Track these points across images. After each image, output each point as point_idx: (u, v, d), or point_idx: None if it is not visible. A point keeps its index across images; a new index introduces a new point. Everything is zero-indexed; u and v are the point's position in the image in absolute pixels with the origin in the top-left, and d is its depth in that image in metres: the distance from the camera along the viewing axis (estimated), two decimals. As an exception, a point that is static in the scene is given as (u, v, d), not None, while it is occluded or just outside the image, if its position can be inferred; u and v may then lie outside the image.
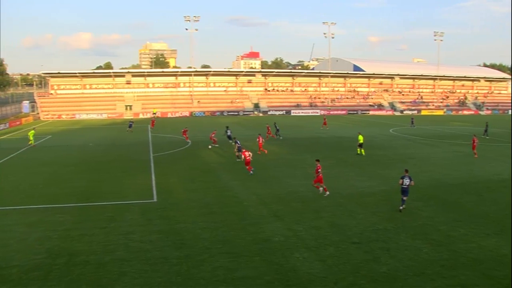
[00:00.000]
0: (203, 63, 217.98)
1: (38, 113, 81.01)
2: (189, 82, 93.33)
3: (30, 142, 39.53)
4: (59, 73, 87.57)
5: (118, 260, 13.86)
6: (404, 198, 19.09)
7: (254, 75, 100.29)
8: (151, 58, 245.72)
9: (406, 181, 18.94)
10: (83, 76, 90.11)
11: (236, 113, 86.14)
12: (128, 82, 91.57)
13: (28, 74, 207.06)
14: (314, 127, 60.12)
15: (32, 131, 41.12)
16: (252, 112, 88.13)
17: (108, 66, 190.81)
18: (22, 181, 25.92)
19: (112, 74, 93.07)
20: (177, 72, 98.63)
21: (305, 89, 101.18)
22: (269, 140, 43.65)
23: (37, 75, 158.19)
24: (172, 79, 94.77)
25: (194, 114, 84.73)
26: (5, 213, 19.33)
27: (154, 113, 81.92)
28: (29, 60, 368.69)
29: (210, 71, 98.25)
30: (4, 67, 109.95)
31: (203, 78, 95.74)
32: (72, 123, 70.46)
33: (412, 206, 19.80)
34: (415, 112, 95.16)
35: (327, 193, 21.82)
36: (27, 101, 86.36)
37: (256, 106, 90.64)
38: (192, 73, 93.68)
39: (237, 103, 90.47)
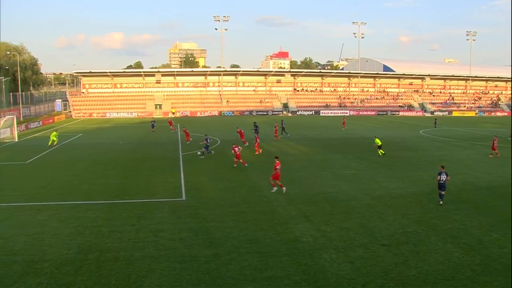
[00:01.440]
0: (232, 62, 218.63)
1: (70, 112, 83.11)
2: (219, 82, 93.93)
3: (49, 143, 39.43)
4: (90, 72, 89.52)
5: (147, 257, 14.03)
6: (442, 192, 20.11)
7: (283, 75, 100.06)
8: (180, 57, 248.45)
9: (443, 177, 19.99)
10: (114, 75, 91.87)
11: (265, 113, 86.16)
12: (158, 82, 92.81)
13: (60, 74, 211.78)
14: (343, 128, 59.58)
15: (55, 133, 41.29)
16: (281, 112, 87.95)
17: (139, 65, 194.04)
18: (54, 178, 26.64)
19: (142, 73, 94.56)
20: (207, 71, 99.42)
21: (334, 89, 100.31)
22: (288, 139, 43.58)
23: (69, 74, 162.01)
24: (201, 78, 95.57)
25: (223, 113, 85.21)
26: (39, 208, 19.85)
27: (173, 113, 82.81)
28: (62, 60, 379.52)
29: (239, 71, 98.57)
30: (38, 67, 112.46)
31: (232, 78, 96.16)
32: (102, 122, 71.98)
33: (443, 209, 19.39)
34: (446, 113, 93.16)
35: (280, 189, 22.32)
36: (60, 100, 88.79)
37: (285, 106, 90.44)
38: (222, 73, 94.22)
39: (266, 103, 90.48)
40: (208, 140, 34.58)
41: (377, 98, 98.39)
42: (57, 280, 12.49)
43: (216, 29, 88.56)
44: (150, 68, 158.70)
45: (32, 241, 15.53)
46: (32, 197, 21.90)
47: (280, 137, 46.11)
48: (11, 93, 73.63)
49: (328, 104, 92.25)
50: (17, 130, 49.02)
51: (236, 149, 29.43)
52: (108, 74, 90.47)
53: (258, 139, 36.61)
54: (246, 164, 29.52)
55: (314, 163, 31.75)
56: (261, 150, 35.66)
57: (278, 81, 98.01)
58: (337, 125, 62.67)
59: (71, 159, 33.32)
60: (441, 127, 60.89)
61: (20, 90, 74.05)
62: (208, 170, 28.48)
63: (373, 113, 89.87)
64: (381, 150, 34.52)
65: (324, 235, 16.05)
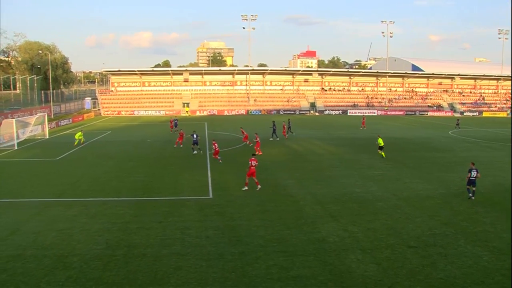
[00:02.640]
0: (260, 61, 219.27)
1: (99, 109, 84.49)
2: (246, 81, 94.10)
3: (76, 143, 39.62)
4: (119, 71, 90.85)
5: (174, 254, 14.16)
6: (473, 188, 20.47)
7: (310, 74, 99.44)
8: (208, 56, 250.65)
9: (474, 173, 20.36)
10: (142, 74, 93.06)
11: (292, 112, 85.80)
12: (186, 80, 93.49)
13: (90, 72, 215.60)
14: (371, 127, 58.83)
15: (80, 132, 41.28)
16: (308, 111, 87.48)
17: (167, 64, 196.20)
18: (84, 174, 27.22)
19: (170, 72, 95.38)
20: (234, 70, 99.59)
21: (362, 89, 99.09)
22: (316, 138, 43.28)
23: (98, 72, 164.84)
24: (229, 77, 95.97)
25: (251, 112, 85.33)
26: (69, 204, 20.32)
27: (187, 111, 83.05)
28: (92, 59, 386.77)
29: (267, 70, 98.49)
30: (68, 65, 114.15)
31: (259, 77, 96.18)
32: (131, 119, 73.08)
33: (472, 211, 18.88)
34: (476, 113, 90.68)
35: (259, 186, 22.73)
36: (89, 98, 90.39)
37: (313, 105, 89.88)
38: (249, 72, 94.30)
39: (293, 102, 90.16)
40: (195, 136, 35.26)
41: (405, 98, 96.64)
42: (85, 274, 12.74)
43: (243, 28, 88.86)
44: (178, 66, 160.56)
45: (62, 236, 15.91)
46: (63, 193, 22.46)
47: (287, 136, 45.89)
48: (42, 91, 75.63)
49: (356, 103, 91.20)
50: (48, 127, 50.24)
51: (216, 145, 31.49)
52: (137, 72, 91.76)
53: (258, 139, 35.40)
54: (220, 161, 30.71)
55: (341, 162, 31.46)
56: (261, 152, 34.44)
57: (306, 80, 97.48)
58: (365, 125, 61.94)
59: (100, 157, 33.96)
60: (469, 128, 59.30)
61: (51, 88, 76.17)
62: (235, 169, 28.53)
63: (401, 113, 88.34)
64: (382, 152, 33.45)
65: (351, 235, 15.88)
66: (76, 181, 25.30)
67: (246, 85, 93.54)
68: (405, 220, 17.82)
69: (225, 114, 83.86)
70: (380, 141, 33.93)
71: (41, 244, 15.11)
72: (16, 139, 40.39)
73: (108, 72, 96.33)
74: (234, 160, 31.88)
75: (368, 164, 30.86)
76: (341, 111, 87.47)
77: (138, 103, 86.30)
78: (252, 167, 22.89)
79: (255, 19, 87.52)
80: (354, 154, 35.46)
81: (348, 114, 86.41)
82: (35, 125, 48.49)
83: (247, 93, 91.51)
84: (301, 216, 18.34)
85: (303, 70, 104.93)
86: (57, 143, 40.24)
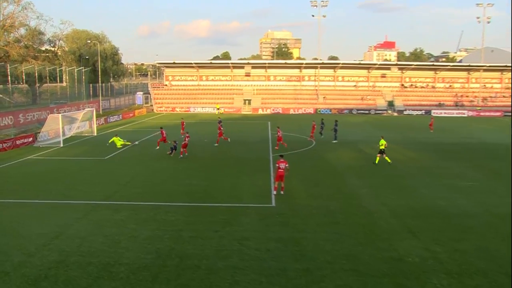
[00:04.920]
0: (331, 54, 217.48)
1: (151, 105, 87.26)
2: (315, 76, 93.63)
3: (119, 146, 39.61)
4: (174, 63, 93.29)
5: (231, 268, 14.30)
6: None
7: (388, 69, 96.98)
8: (272, 48, 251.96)
9: None
10: (199, 67, 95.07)
11: (366, 112, 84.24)
12: (247, 74, 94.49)
13: (142, 64, 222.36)
14: (460, 130, 56.46)
15: (114, 138, 40.28)
16: (385, 111, 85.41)
17: (226, 56, 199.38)
18: (134, 176, 28.26)
19: (230, 65, 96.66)
20: (302, 64, 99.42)
21: (450, 86, 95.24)
22: (392, 142, 42.10)
23: (151, 65, 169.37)
24: (295, 71, 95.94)
25: (319, 111, 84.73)
26: (117, 208, 21.06)
27: (218, 109, 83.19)
28: (144, 50, 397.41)
29: (338, 64, 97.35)
30: (119, 57, 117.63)
31: (330, 71, 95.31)
32: (186, 117, 73.74)
33: None
34: None
35: (275, 192, 23.02)
36: (141, 92, 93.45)
37: (390, 104, 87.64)
38: (318, 66, 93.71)
39: (368, 100, 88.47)
40: (177, 143, 35.64)
41: (503, 96, 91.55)
42: (132, 286, 13.09)
43: (313, 15, 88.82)
44: (239, 59, 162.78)
45: (108, 242, 16.50)
46: (110, 195, 23.36)
47: (320, 136, 45.21)
48: (90, 84, 78.70)
49: (442, 102, 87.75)
50: (96, 124, 52.53)
51: (188, 139, 34.52)
52: (193, 65, 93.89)
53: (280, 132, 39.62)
54: (181, 156, 33.86)
55: (423, 170, 30.45)
56: (286, 144, 38.49)
57: (383, 76, 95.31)
58: (453, 127, 59.64)
59: (152, 157, 35.06)
60: None
61: (100, 81, 79.05)
62: (301, 174, 28.43)
63: (497, 114, 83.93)
64: (384, 156, 32.00)
65: (433, 256, 15.29)
66: (126, 183, 26.30)
67: (315, 80, 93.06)
68: (500, 241, 16.87)
69: (290, 113, 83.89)
70: (382, 143, 32.41)
71: (86, 250, 15.73)
72: (62, 135, 42.41)
73: (161, 65, 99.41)
74: (301, 164, 31.77)
75: (456, 173, 29.62)
76: (423, 111, 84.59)
77: (194, 99, 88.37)
78: (280, 170, 22.89)
79: (326, 5, 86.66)
80: (438, 160, 34.24)
81: (432, 114, 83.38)
82: (83, 121, 50.78)
83: (316, 90, 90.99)
84: (374, 230, 17.95)
85: (380, 64, 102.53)
86: (105, 141, 41.79)
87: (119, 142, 39.79)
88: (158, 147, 38.27)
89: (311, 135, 45.58)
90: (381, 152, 32.26)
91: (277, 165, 23.22)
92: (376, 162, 32.03)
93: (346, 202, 22.15)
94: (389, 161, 31.98)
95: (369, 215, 20.01)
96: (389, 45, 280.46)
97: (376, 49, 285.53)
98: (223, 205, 21.64)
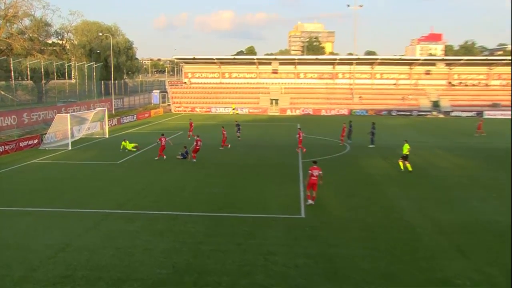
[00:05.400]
0: (368, 48, 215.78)
1: (169, 105, 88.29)
2: (350, 72, 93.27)
3: (130, 148, 40.08)
4: (194, 59, 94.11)
5: (255, 285, 14.32)
6: None
7: (434, 64, 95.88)
8: (302, 42, 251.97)
9: None
10: (221, 63, 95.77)
11: (407, 113, 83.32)
12: (275, 71, 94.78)
13: (159, 60, 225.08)
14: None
15: (123, 143, 40.75)
16: (429, 112, 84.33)
17: (251, 51, 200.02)
18: (149, 183, 28.53)
19: (256, 61, 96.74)
20: (335, 59, 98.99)
21: (507, 83, 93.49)
22: (438, 147, 41.62)
23: (169, 60, 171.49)
24: (328, 68, 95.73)
25: (354, 112, 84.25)
26: (130, 217, 21.30)
27: (233, 109, 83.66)
28: (161, 44, 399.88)
29: (376, 59, 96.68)
30: (133, 51, 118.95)
31: (367, 68, 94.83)
32: (207, 118, 74.89)
33: None
34: None
35: (311, 202, 23.01)
36: (157, 91, 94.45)
37: (436, 104, 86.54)
38: (354, 61, 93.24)
39: (410, 100, 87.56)
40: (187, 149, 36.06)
41: None
42: (147, 304, 13.20)
43: (348, 5, 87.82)
44: (265, 54, 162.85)
45: (120, 255, 16.66)
46: (123, 204, 23.63)
47: (347, 143, 44.87)
48: (102, 82, 79.74)
49: (497, 102, 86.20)
50: (108, 125, 53.13)
51: (163, 140, 36.01)
52: (215, 61, 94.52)
53: (301, 135, 40.64)
54: (194, 160, 34.73)
55: (474, 180, 29.97)
56: (304, 149, 38.94)
57: (427, 72, 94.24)
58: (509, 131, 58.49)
59: (170, 162, 35.26)
60: None
61: (112, 78, 79.67)
62: (334, 182, 28.24)
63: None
64: (407, 163, 31.81)
65: (487, 279, 15.02)
66: (140, 190, 26.56)
67: (350, 78, 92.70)
68: None
69: (322, 114, 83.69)
70: (406, 147, 32.22)
71: (96, 264, 15.89)
72: (70, 137, 43.02)
73: (180, 60, 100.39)
74: (333, 171, 31.55)
75: (513, 183, 29.07)
76: (475, 112, 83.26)
77: (216, 98, 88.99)
78: (313, 178, 22.85)
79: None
80: (493, 170, 33.62)
81: (485, 116, 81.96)
82: (93, 122, 51.54)
83: (351, 88, 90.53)
84: (418, 247, 17.73)
85: (424, 59, 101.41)
86: (118, 144, 42.04)
87: (130, 145, 40.25)
88: (157, 158, 36.37)
89: (341, 138, 45.37)
90: (404, 157, 32.20)
91: (309, 172, 23.19)
92: (402, 168, 31.98)
93: (385, 215, 21.95)
94: (410, 169, 31.84)
95: (411, 230, 19.78)
96: (435, 37, 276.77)
97: (420, 42, 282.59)
98: (247, 215, 21.69)
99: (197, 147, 35.08)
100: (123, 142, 40.50)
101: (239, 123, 50.32)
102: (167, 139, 36.96)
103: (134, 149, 39.91)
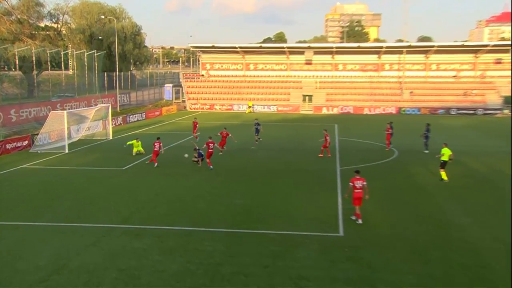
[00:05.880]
0: (421, 34, 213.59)
1: (183, 101, 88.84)
2: (399, 63, 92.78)
3: (134, 151, 40.43)
4: (213, 47, 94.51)
5: (284, 316, 14.29)
6: None
7: (507, 51, 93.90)
8: (342, 27, 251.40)
9: None
10: (245, 52, 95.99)
11: (471, 112, 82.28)
12: (308, 62, 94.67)
13: (171, 48, 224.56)
14: None
15: (134, 141, 41.23)
16: (499, 111, 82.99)
17: (280, 38, 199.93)
18: (160, 192, 28.77)
19: (286, 49, 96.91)
20: (381, 47, 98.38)
21: None
22: (507, 154, 41.04)
23: (183, 49, 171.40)
24: (372, 58, 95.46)
25: (404, 111, 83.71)
26: (137, 233, 21.42)
27: (250, 106, 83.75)
28: (174, 29, 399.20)
29: (432, 46, 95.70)
30: (142, 38, 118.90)
31: (420, 57, 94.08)
32: (228, 117, 75.18)
33: None
34: None
35: (360, 221, 22.78)
36: (170, 85, 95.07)
37: (507, 101, 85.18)
38: (404, 49, 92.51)
39: (474, 96, 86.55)
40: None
41: None
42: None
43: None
44: (297, 42, 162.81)
45: (124, 278, 16.73)
46: (128, 217, 23.83)
47: (390, 146, 44.59)
48: (105, 73, 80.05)
49: None
50: (112, 124, 53.55)
51: (157, 145, 35.52)
52: (238, 49, 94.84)
53: (328, 138, 40.47)
54: (211, 166, 34.65)
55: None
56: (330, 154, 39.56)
57: (497, 62, 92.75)
58: None
59: (183, 168, 35.50)
60: None
61: (117, 70, 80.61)
62: (379, 193, 27.97)
63: None
64: (442, 170, 31.66)
65: None
66: (149, 201, 26.74)
67: (399, 69, 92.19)
68: None
69: (365, 113, 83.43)
70: (447, 152, 31.92)
71: (95, 288, 16.00)
72: (67, 139, 43.26)
73: (197, 49, 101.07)
74: (380, 180, 31.36)
75: None
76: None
77: (239, 94, 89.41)
78: (357, 191, 22.76)
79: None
80: None
81: None
82: (94, 121, 52.14)
83: (400, 82, 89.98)
84: (483, 274, 17.52)
85: (494, 45, 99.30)
86: (124, 147, 42.24)
87: (135, 148, 40.52)
88: (148, 162, 36.83)
89: (387, 142, 45.06)
90: (443, 165, 32.04)
91: (350, 184, 23.10)
92: (444, 178, 31.82)
93: (441, 234, 21.73)
94: (445, 178, 31.72)
95: (476, 254, 19.49)
96: (507, 17, 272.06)
97: (489, 24, 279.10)
98: (274, 232, 21.68)
99: (210, 150, 35.15)
100: (134, 141, 40.88)
101: (259, 122, 50.10)
102: (161, 145, 36.43)
103: (142, 150, 40.30)
